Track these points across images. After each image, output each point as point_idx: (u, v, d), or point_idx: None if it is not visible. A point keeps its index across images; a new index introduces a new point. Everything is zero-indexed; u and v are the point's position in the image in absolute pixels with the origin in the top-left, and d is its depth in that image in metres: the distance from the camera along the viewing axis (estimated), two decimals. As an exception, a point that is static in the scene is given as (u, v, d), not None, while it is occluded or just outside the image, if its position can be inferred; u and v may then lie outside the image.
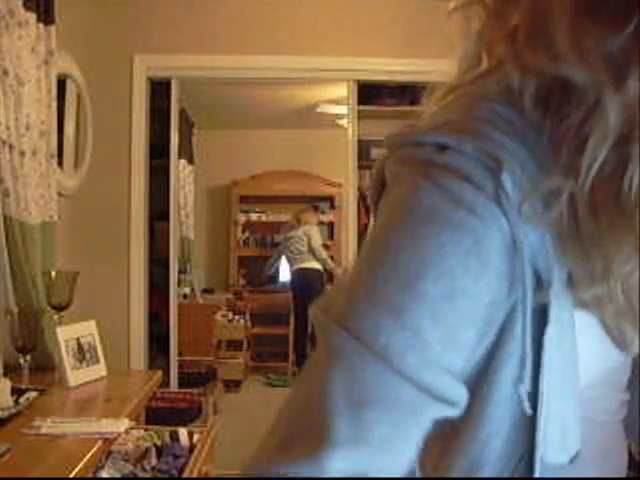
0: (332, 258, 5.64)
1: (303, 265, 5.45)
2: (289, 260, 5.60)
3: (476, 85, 0.56)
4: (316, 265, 5.42)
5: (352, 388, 0.46)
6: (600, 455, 0.61)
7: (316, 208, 5.83)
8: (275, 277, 5.96)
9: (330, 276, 5.47)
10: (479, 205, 0.48)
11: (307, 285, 5.38)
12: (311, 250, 5.41)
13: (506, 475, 0.52)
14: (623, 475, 0.67)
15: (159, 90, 3.20)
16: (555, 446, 0.52)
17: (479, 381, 0.51)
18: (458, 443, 0.53)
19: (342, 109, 3.89)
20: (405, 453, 0.48)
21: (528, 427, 0.51)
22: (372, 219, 0.56)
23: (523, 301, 0.49)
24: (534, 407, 0.51)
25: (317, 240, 5.46)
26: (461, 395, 0.49)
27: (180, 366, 3.34)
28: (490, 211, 0.48)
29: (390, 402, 0.46)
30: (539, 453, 0.51)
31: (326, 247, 5.59)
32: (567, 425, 0.53)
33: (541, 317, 0.50)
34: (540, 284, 0.49)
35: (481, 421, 0.52)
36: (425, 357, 0.47)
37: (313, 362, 0.51)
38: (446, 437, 0.53)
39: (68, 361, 1.86)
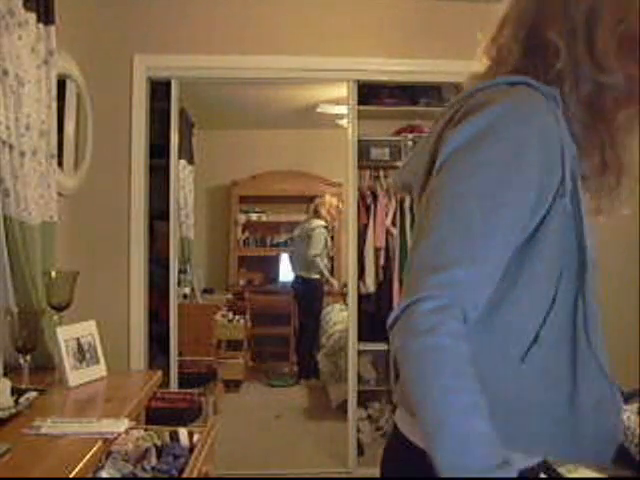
0: (332, 259, 5.61)
1: (300, 273, 5.36)
2: (291, 262, 5.56)
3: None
4: (314, 275, 5.27)
5: (466, 237, 0.81)
6: None
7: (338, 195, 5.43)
8: (275, 277, 5.96)
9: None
10: (543, 120, 0.85)
11: (304, 294, 5.32)
12: (306, 258, 5.23)
13: (574, 264, 0.88)
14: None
15: (159, 90, 3.20)
16: (591, 245, 0.89)
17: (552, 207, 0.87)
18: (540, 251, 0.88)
19: (342, 109, 3.89)
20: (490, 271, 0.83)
21: (578, 242, 0.88)
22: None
23: (568, 169, 0.87)
24: (579, 225, 0.88)
25: (315, 247, 5.20)
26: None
27: (180, 366, 3.34)
28: (549, 119, 0.86)
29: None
30: (589, 254, 0.88)
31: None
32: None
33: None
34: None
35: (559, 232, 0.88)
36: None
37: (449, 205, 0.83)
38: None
39: (68, 361, 1.86)
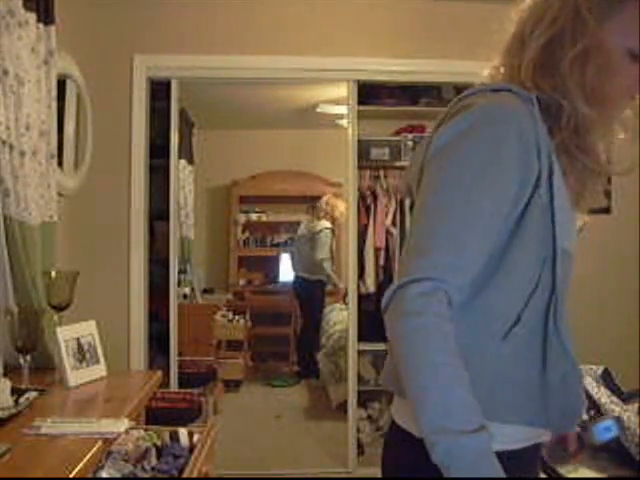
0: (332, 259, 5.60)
1: (301, 274, 5.34)
2: (292, 261, 5.55)
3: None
4: (316, 276, 5.26)
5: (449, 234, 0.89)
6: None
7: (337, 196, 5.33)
8: (275, 277, 5.96)
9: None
10: (520, 120, 0.93)
11: (305, 294, 5.31)
12: (313, 261, 5.21)
13: (543, 264, 0.95)
14: None
15: (159, 90, 3.20)
16: (565, 233, 0.96)
17: (531, 202, 0.94)
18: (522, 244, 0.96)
19: (342, 109, 3.89)
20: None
21: (550, 230, 0.95)
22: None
23: (544, 164, 0.94)
24: (552, 215, 0.95)
25: (323, 250, 5.16)
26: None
27: (180, 366, 3.34)
28: (526, 119, 0.94)
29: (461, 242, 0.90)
30: (559, 244, 0.95)
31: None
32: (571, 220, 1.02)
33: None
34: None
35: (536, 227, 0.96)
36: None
37: (437, 207, 0.92)
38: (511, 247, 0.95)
39: (68, 361, 1.86)
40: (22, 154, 1.98)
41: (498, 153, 0.91)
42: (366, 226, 3.65)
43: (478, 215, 0.90)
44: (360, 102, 3.32)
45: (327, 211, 5.31)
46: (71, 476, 1.22)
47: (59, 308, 2.00)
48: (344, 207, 5.12)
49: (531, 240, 0.95)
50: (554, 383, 0.96)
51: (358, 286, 3.40)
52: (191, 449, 1.81)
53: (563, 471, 1.52)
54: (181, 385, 3.30)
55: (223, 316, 5.19)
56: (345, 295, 4.42)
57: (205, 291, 5.62)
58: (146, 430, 1.86)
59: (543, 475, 1.47)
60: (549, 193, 0.95)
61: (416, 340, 0.83)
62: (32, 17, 2.04)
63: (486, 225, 0.90)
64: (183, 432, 1.87)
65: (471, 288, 0.91)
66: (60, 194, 2.43)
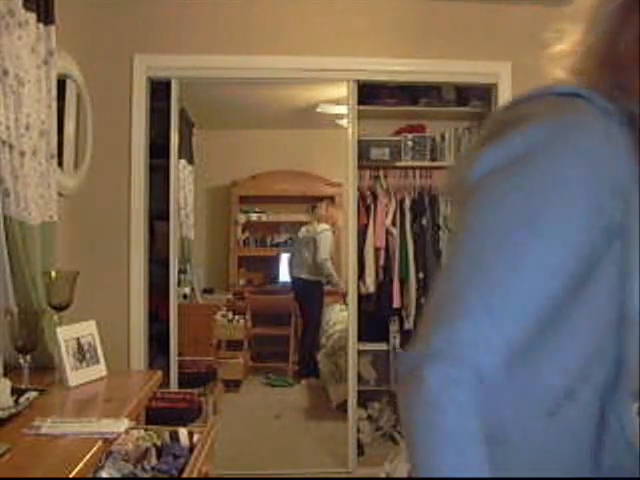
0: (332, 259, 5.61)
1: (300, 275, 5.36)
2: (290, 263, 5.56)
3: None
4: (316, 277, 5.28)
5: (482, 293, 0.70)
6: None
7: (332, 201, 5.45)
8: (275, 277, 5.96)
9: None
10: (593, 144, 0.71)
11: (305, 295, 5.33)
12: (316, 262, 5.24)
13: (608, 330, 0.74)
14: None
15: (159, 90, 3.20)
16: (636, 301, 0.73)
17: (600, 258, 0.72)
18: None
19: (342, 109, 3.89)
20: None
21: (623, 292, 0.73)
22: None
23: (624, 204, 0.71)
24: (627, 271, 0.72)
25: (325, 250, 5.20)
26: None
27: (180, 366, 3.34)
28: (603, 144, 0.71)
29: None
30: (632, 309, 0.73)
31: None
32: None
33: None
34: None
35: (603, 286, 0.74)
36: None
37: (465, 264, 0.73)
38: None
39: (68, 361, 1.86)
40: (22, 154, 1.98)
41: (559, 192, 0.70)
42: (366, 226, 3.65)
43: (524, 272, 0.70)
44: (360, 102, 3.32)
45: (327, 215, 5.35)
46: (71, 476, 1.22)
47: (59, 308, 2.00)
48: (340, 214, 5.21)
49: (598, 302, 0.74)
50: (606, 474, 0.78)
51: (358, 286, 3.41)
52: (191, 449, 1.81)
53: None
54: (181, 385, 3.30)
55: (223, 316, 5.19)
56: (345, 295, 4.42)
57: (205, 291, 5.62)
58: (146, 430, 1.86)
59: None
60: (628, 240, 0.73)
61: (429, 440, 0.68)
62: (32, 17, 2.04)
63: (535, 285, 0.70)
64: (183, 432, 1.87)
65: (515, 355, 0.72)
66: (60, 194, 2.43)
